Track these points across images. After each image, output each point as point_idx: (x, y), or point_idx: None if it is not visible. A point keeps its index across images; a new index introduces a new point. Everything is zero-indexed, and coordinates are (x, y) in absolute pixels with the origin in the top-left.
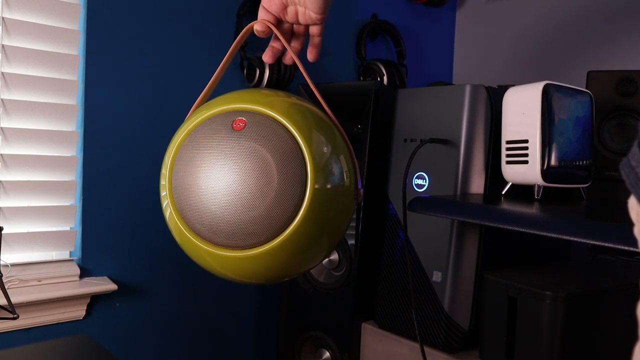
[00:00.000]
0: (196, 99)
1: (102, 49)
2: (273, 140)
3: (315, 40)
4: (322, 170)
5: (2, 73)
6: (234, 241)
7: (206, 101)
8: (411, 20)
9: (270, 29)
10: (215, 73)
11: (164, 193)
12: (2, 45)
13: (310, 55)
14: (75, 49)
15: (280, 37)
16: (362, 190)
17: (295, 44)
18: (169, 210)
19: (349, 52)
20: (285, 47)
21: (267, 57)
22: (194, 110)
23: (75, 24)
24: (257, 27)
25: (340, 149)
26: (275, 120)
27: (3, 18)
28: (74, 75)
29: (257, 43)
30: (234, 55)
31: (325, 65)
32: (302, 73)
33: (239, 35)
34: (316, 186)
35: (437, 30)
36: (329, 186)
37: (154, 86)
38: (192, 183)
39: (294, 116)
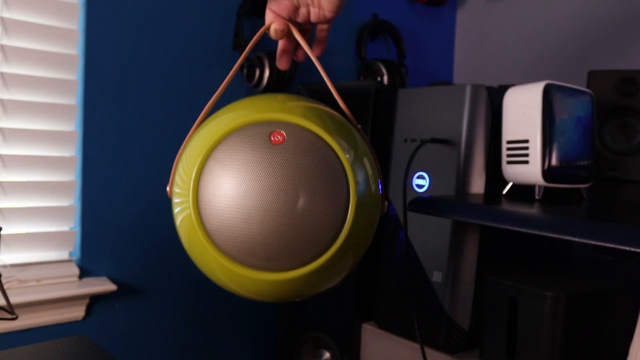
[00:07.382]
0: (199, 97)
1: (101, 49)
2: (313, 155)
3: (322, 35)
4: (359, 183)
5: (2, 73)
6: (272, 263)
7: (213, 108)
8: (411, 20)
9: (288, 29)
10: (227, 78)
11: (183, 206)
12: (2, 45)
13: (317, 51)
14: (74, 49)
15: (299, 38)
16: (385, 203)
17: None
18: (189, 224)
19: (349, 52)
20: (302, 46)
21: (283, 63)
22: (204, 116)
23: (75, 23)
24: (276, 26)
25: (368, 155)
26: (312, 132)
27: (2, 18)
28: (74, 75)
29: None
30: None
31: (325, 65)
32: (300, 73)
33: (254, 37)
34: (357, 200)
35: (437, 30)
36: (366, 199)
37: (155, 86)
38: (229, 202)
39: (330, 126)
